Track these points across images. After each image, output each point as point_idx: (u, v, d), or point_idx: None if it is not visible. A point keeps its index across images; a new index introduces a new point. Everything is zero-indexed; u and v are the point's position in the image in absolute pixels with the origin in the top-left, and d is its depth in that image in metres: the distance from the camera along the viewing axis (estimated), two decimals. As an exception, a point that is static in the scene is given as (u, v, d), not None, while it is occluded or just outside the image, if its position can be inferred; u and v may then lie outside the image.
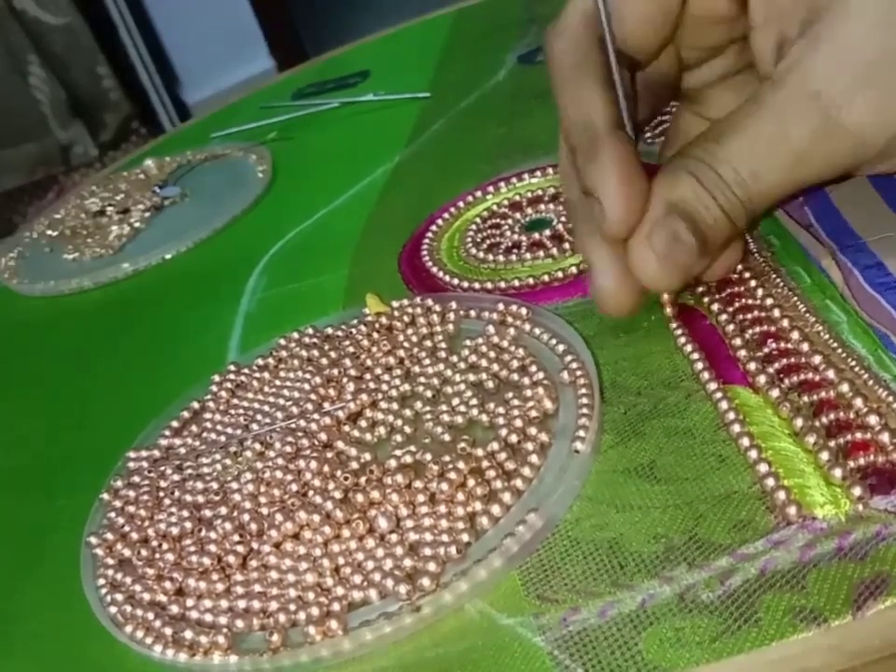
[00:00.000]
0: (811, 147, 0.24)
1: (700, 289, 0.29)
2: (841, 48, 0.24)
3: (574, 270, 0.33)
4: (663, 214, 0.25)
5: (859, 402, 0.23)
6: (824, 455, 0.22)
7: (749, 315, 0.27)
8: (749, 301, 0.28)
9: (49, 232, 0.59)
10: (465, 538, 0.23)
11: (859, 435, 0.22)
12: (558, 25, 0.28)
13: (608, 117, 0.26)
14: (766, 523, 0.21)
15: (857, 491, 0.21)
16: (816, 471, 0.22)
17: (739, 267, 0.29)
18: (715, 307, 0.28)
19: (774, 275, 0.29)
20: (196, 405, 0.33)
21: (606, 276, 0.27)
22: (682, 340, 0.28)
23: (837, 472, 0.21)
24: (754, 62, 0.28)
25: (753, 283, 0.29)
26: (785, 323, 0.26)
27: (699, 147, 0.26)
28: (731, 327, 0.27)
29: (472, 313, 0.33)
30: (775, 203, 0.26)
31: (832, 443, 0.22)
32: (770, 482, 0.22)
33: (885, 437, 0.22)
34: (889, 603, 0.18)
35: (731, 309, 0.28)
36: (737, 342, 0.27)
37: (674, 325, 0.28)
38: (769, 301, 0.28)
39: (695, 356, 0.27)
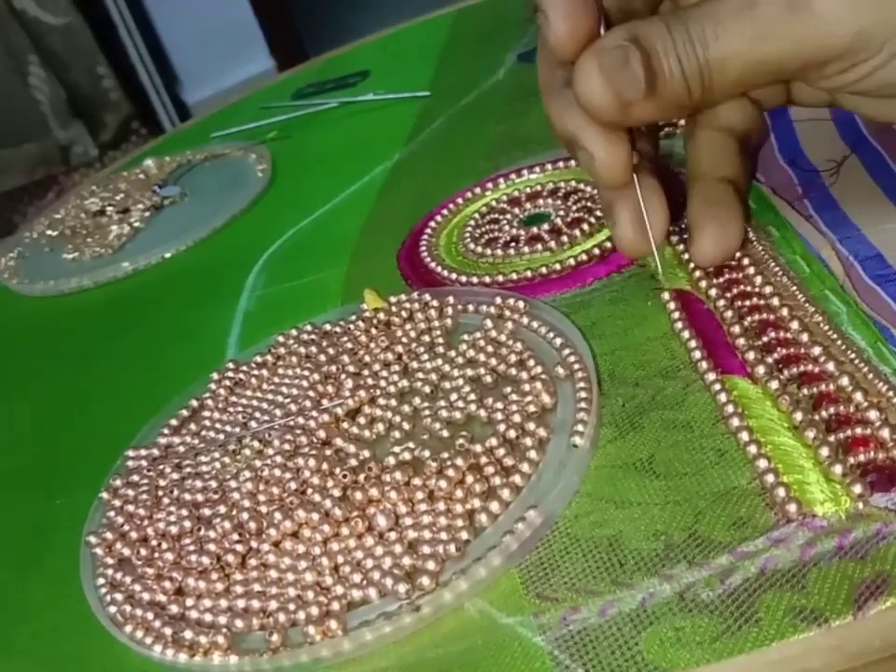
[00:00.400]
0: (777, 24, 0.24)
1: (697, 274, 0.29)
2: None
3: (572, 262, 0.33)
4: (620, 38, 0.25)
5: (859, 396, 0.23)
6: (824, 451, 0.22)
7: (748, 303, 0.27)
8: (748, 289, 0.28)
9: (49, 232, 0.59)
10: (464, 535, 0.23)
11: (859, 430, 0.22)
12: None
13: None
14: (766, 520, 0.21)
15: (857, 488, 0.21)
16: (816, 467, 0.22)
17: (738, 254, 0.29)
18: (713, 292, 0.28)
19: (773, 264, 0.29)
20: (195, 403, 0.33)
21: (598, 148, 0.26)
22: (679, 325, 0.28)
23: (837, 469, 0.21)
24: None
25: (752, 270, 0.29)
26: (784, 312, 0.26)
27: (680, 9, 0.25)
28: (729, 313, 0.27)
29: (470, 307, 0.33)
30: (733, 87, 0.26)
31: (831, 438, 0.22)
32: (770, 478, 0.22)
33: (885, 433, 0.22)
34: (890, 603, 0.18)
35: (729, 295, 0.28)
36: (736, 329, 0.26)
37: (671, 307, 0.28)
38: (768, 290, 0.28)
39: (693, 343, 0.27)
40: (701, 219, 0.28)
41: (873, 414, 0.22)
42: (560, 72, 0.28)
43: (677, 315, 0.28)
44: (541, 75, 0.29)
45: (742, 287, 0.28)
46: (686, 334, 0.27)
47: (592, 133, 0.26)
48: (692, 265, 0.30)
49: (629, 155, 0.27)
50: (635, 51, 0.25)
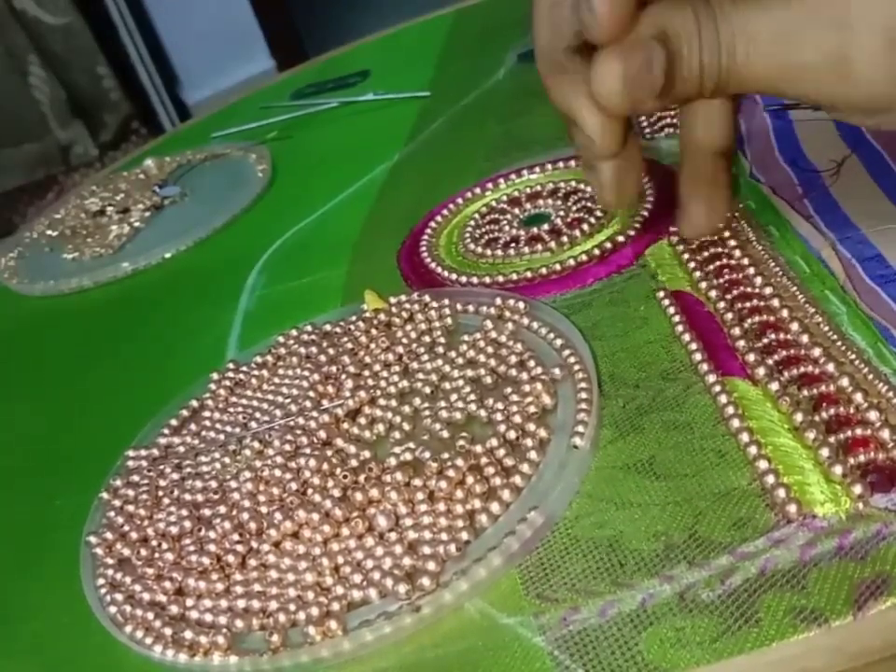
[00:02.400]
0: (814, 73, 0.23)
1: (697, 274, 0.29)
2: None
3: (572, 262, 0.33)
4: (649, 36, 0.24)
5: (859, 397, 0.23)
6: (824, 452, 0.22)
7: (748, 304, 0.27)
8: (748, 290, 0.28)
9: (49, 232, 0.59)
10: (464, 536, 0.23)
11: (859, 431, 0.22)
12: None
13: None
14: (766, 520, 0.21)
15: (857, 489, 0.21)
16: (816, 468, 0.22)
17: (738, 254, 0.29)
18: (713, 294, 0.28)
19: (773, 264, 0.29)
20: (195, 403, 0.33)
21: (597, 132, 0.26)
22: (680, 328, 0.28)
23: (837, 469, 0.21)
24: None
25: (752, 270, 0.29)
26: (785, 314, 0.26)
27: None
28: (729, 315, 0.27)
29: (470, 307, 0.33)
30: (743, 91, 0.25)
31: (831, 439, 0.22)
32: (770, 479, 0.22)
33: (885, 433, 0.22)
34: (890, 603, 0.18)
35: (729, 297, 0.28)
36: (736, 331, 0.26)
37: (671, 311, 0.28)
38: (768, 291, 0.28)
39: (693, 346, 0.27)
40: (692, 196, 0.28)
41: (873, 415, 0.22)
42: (567, 51, 0.27)
43: (677, 317, 0.28)
44: (544, 46, 0.28)
45: (742, 288, 0.28)
46: (686, 336, 0.27)
47: (592, 118, 0.26)
48: (692, 265, 0.30)
49: (625, 135, 0.26)
50: (660, 55, 0.24)
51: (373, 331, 0.33)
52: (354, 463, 0.27)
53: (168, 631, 0.24)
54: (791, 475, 0.22)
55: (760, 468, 0.22)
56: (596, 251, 0.33)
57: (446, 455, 0.26)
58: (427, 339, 0.32)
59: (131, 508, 0.29)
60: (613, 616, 0.20)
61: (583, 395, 0.26)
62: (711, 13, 0.24)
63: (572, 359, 0.28)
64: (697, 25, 0.24)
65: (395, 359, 0.31)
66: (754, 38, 0.23)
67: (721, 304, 0.28)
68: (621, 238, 0.33)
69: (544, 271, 0.34)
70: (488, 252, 0.36)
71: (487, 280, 0.34)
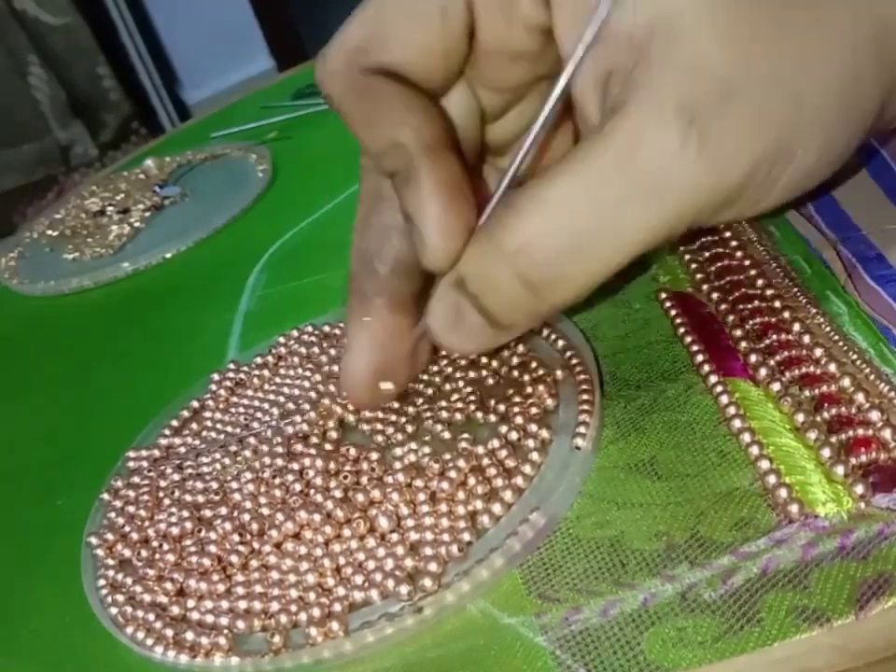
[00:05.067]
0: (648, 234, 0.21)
1: (698, 276, 0.29)
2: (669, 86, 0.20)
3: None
4: (448, 285, 0.23)
5: (860, 397, 0.23)
6: (826, 452, 0.22)
7: (750, 305, 0.27)
8: (750, 291, 0.28)
9: (49, 232, 0.59)
10: (466, 537, 0.23)
11: (860, 431, 0.22)
12: (327, 65, 0.24)
13: (419, 136, 0.22)
14: (768, 520, 0.21)
15: (859, 489, 0.21)
16: (817, 468, 0.22)
17: (739, 254, 0.29)
18: (715, 296, 0.28)
19: (774, 264, 0.29)
20: (196, 404, 0.33)
21: (358, 359, 0.26)
22: (682, 329, 0.28)
23: (839, 469, 0.21)
24: (573, 107, 0.24)
25: (753, 272, 0.29)
26: (786, 314, 0.26)
27: (508, 201, 0.22)
28: (731, 317, 0.27)
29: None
30: (578, 291, 0.22)
31: (833, 439, 0.22)
32: (771, 479, 0.22)
33: (887, 433, 0.22)
34: (892, 603, 0.18)
35: (731, 298, 0.28)
36: (738, 332, 0.26)
37: (673, 312, 0.28)
38: (770, 292, 0.27)
39: (695, 346, 0.27)
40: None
41: (874, 415, 0.22)
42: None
43: (679, 318, 0.28)
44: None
45: (744, 289, 0.28)
46: (688, 337, 0.27)
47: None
48: (693, 266, 0.30)
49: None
50: (463, 298, 0.22)
51: (374, 332, 0.33)
52: (360, 465, 0.27)
53: (169, 632, 0.24)
54: (793, 475, 0.22)
55: (761, 468, 0.22)
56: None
57: (448, 456, 0.26)
58: (427, 339, 0.32)
59: (131, 508, 0.28)
60: (615, 616, 0.20)
61: (585, 396, 0.26)
62: (491, 240, 0.22)
63: (574, 360, 0.28)
64: (481, 254, 0.22)
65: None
66: (518, 238, 0.21)
67: (723, 306, 0.28)
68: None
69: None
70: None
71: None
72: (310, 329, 0.35)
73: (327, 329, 0.35)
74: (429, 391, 0.29)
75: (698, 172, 0.20)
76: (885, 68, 0.22)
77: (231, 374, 0.34)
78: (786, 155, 0.21)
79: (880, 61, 0.22)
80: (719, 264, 0.29)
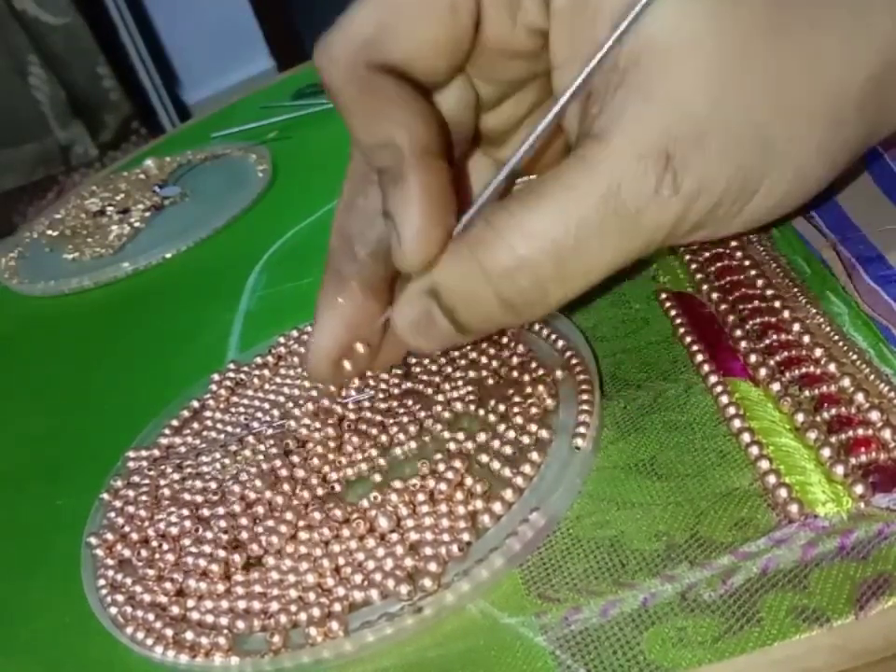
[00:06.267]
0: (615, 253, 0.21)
1: (698, 276, 0.29)
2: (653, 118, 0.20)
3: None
4: (421, 291, 0.23)
5: (860, 398, 0.23)
6: (826, 452, 0.22)
7: (750, 305, 0.27)
8: (750, 291, 0.28)
9: (49, 232, 0.59)
10: (466, 537, 0.23)
11: (860, 431, 0.22)
12: (331, 51, 0.24)
13: (414, 139, 0.22)
14: (768, 520, 0.21)
15: (858, 489, 0.21)
16: (817, 468, 0.22)
17: (739, 255, 0.29)
18: (715, 296, 0.28)
19: (774, 265, 0.29)
20: (196, 404, 0.33)
21: (327, 337, 0.26)
22: (682, 329, 0.28)
23: (839, 469, 0.21)
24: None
25: (753, 272, 0.29)
26: (786, 314, 0.26)
27: (491, 220, 0.22)
28: (731, 317, 0.27)
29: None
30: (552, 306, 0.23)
31: (833, 439, 0.22)
32: (771, 479, 0.22)
33: (887, 433, 0.22)
34: (892, 603, 0.18)
35: (731, 298, 0.28)
36: (738, 332, 0.26)
37: (673, 312, 0.28)
38: (770, 292, 0.27)
39: (695, 347, 0.27)
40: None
41: (874, 415, 0.22)
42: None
43: (679, 318, 0.28)
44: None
45: (744, 289, 0.28)
46: (688, 337, 0.27)
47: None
48: (693, 266, 0.30)
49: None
50: (435, 306, 0.23)
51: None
52: (360, 466, 0.27)
53: (169, 632, 0.24)
54: (793, 475, 0.22)
55: (761, 468, 0.22)
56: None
57: (447, 456, 0.25)
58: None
59: (131, 508, 0.28)
60: (615, 616, 0.20)
61: (585, 396, 0.26)
62: (468, 246, 0.22)
63: (574, 360, 0.28)
64: (458, 264, 0.22)
65: (395, 360, 0.31)
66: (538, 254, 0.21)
67: (723, 306, 0.28)
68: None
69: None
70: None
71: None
72: (310, 328, 0.35)
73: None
74: (429, 391, 0.29)
75: (671, 210, 0.21)
76: (875, 111, 0.22)
77: (231, 374, 0.34)
78: (752, 189, 0.22)
79: (871, 105, 0.22)
80: (719, 264, 0.29)
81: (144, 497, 0.29)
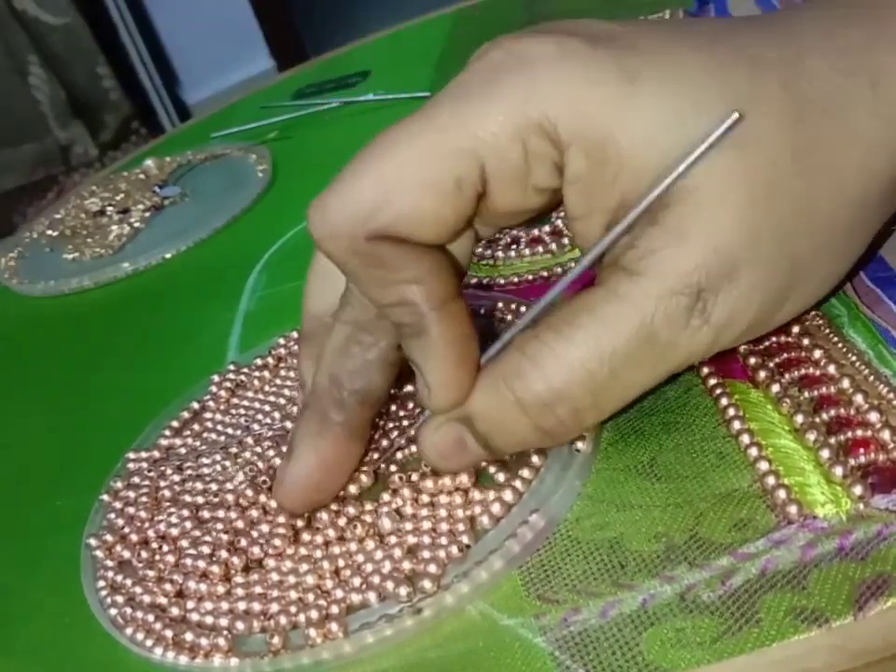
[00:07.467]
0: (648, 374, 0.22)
1: None
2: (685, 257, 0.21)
3: (573, 265, 0.33)
4: (453, 420, 0.23)
5: (859, 399, 0.23)
6: (825, 453, 0.22)
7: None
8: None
9: (49, 232, 0.59)
10: (465, 539, 0.23)
11: (859, 432, 0.22)
12: (328, 220, 0.23)
13: (429, 294, 0.22)
14: (767, 521, 0.21)
15: (858, 490, 0.21)
16: (816, 469, 0.22)
17: None
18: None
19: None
20: (196, 405, 0.33)
21: (303, 472, 0.25)
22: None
23: (838, 470, 0.21)
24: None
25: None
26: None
27: (526, 350, 0.22)
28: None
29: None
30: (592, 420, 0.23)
31: (832, 440, 0.22)
32: (770, 480, 0.22)
33: (886, 434, 0.22)
34: (891, 603, 0.18)
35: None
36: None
37: None
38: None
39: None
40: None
41: (873, 416, 0.22)
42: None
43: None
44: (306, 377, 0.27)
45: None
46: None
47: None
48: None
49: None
50: (470, 436, 0.23)
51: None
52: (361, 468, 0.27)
53: (169, 633, 0.24)
54: (792, 476, 0.22)
55: (760, 469, 0.22)
56: (597, 252, 0.33)
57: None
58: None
59: (131, 510, 0.29)
60: (614, 617, 0.20)
61: (584, 396, 0.26)
62: (501, 375, 0.22)
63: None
64: (504, 402, 0.22)
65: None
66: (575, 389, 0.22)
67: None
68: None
69: (545, 273, 0.33)
70: (488, 253, 0.36)
71: (487, 282, 0.34)
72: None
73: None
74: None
75: (702, 340, 0.21)
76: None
77: (231, 375, 0.34)
78: (780, 306, 0.22)
79: (893, 199, 0.23)
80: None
81: (144, 499, 0.29)
